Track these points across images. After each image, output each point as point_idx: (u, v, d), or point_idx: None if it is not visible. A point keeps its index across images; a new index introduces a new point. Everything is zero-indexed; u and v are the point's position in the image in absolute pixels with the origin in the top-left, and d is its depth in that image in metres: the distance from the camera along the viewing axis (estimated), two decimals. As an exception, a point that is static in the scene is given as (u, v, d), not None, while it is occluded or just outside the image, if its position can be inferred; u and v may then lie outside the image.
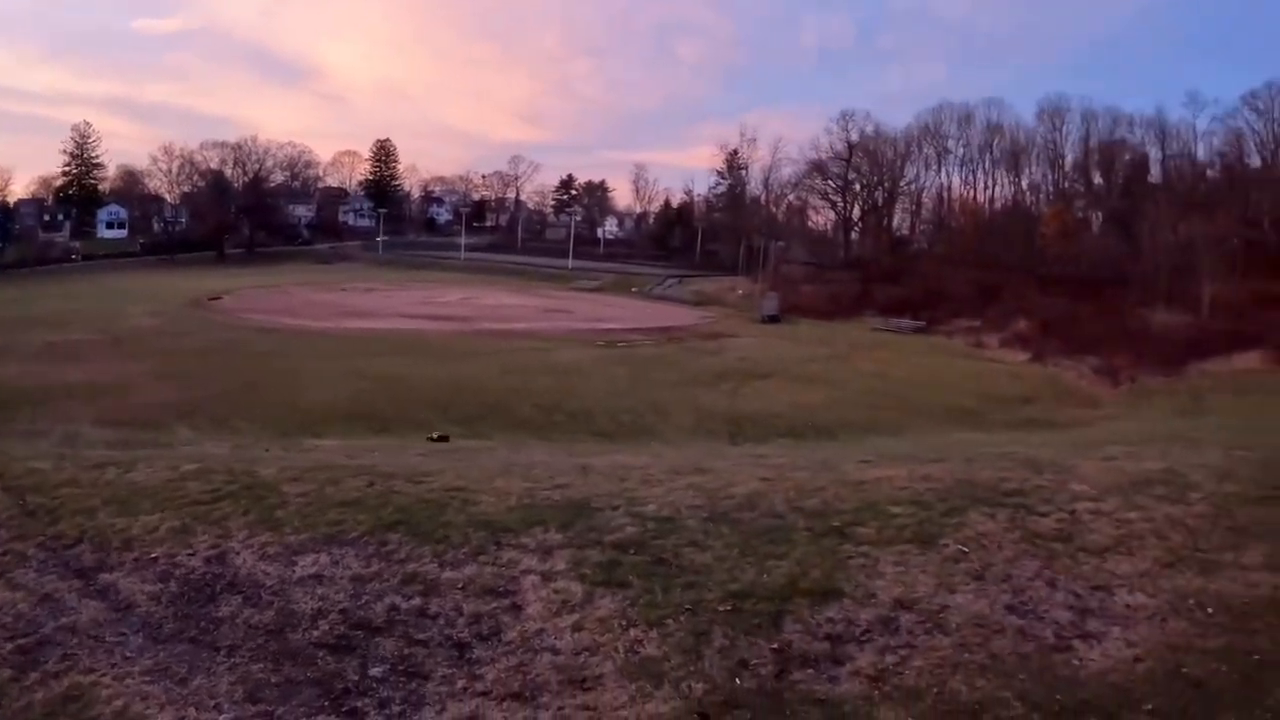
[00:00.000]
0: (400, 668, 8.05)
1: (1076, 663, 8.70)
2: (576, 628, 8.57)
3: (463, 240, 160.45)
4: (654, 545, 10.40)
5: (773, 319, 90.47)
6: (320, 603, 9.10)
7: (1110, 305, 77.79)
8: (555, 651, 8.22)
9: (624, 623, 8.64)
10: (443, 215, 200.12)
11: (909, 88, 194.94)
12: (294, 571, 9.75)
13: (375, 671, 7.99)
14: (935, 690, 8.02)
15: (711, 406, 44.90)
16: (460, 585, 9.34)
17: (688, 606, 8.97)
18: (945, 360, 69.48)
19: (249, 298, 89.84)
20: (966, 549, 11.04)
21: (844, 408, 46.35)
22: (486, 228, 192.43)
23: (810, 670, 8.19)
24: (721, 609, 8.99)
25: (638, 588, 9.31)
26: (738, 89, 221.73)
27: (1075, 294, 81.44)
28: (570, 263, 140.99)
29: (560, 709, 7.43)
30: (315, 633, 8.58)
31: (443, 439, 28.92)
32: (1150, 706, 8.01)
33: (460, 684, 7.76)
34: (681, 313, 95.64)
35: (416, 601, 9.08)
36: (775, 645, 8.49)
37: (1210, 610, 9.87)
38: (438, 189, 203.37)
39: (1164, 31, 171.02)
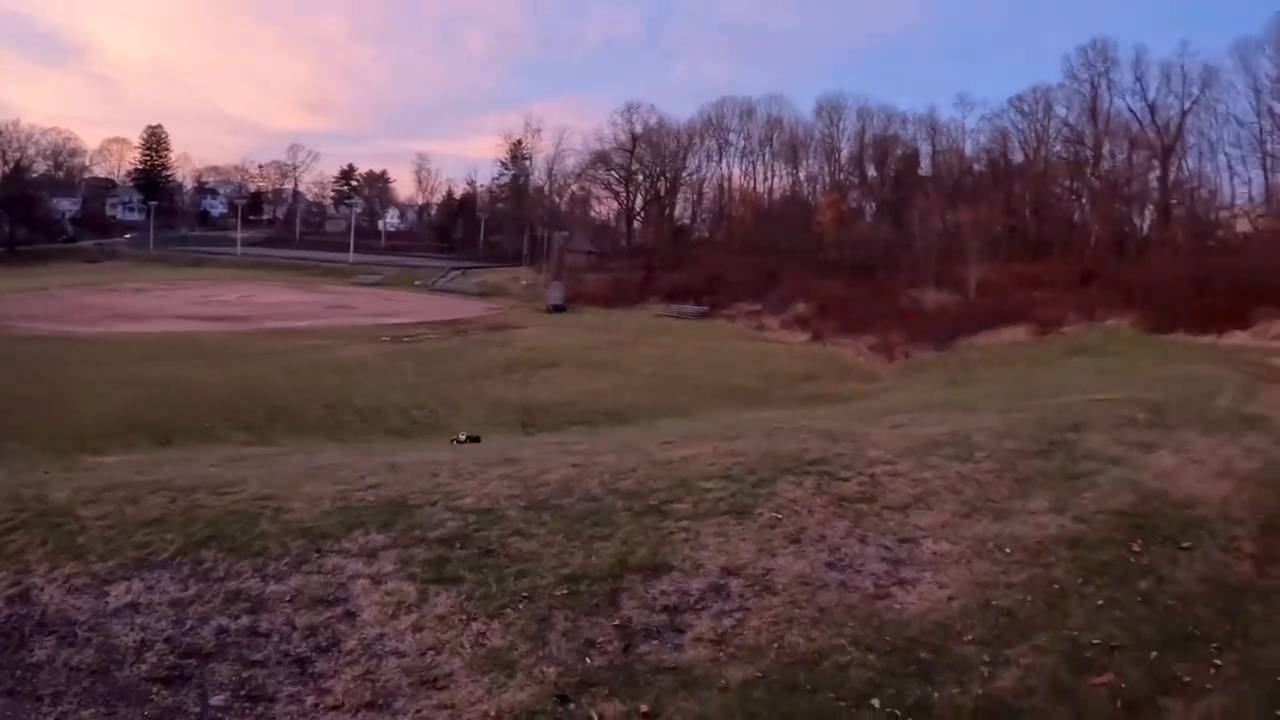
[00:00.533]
0: (242, 693, 7.56)
1: (898, 607, 9.55)
2: (417, 628, 8.43)
3: (239, 234, 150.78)
4: (479, 537, 10.39)
5: (558, 308, 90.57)
6: (142, 634, 8.30)
7: (884, 288, 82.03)
8: (400, 655, 8.03)
9: (464, 617, 8.60)
10: (217, 208, 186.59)
11: (694, 82, 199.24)
12: (107, 603, 8.84)
13: (217, 700, 7.46)
14: (775, 645, 8.58)
15: (502, 398, 44.49)
16: (288, 598, 8.89)
17: (524, 594, 9.06)
18: (729, 343, 71.34)
19: (8, 303, 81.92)
20: (780, 516, 11.78)
21: (633, 393, 46.85)
22: (264, 221, 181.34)
23: (654, 641, 8.52)
24: (558, 593, 9.14)
25: (471, 581, 9.27)
26: (523, 79, 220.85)
27: (851, 278, 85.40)
28: (351, 256, 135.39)
29: (418, 711, 7.33)
30: (143, 667, 7.84)
31: (473, 440, 27.20)
32: (970, 637, 8.97)
33: (309, 701, 7.45)
34: (467, 305, 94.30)
35: (245, 620, 8.50)
36: (617, 622, 8.75)
37: (1008, 550, 11.16)
38: (212, 180, 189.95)
39: (938, 37, 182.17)
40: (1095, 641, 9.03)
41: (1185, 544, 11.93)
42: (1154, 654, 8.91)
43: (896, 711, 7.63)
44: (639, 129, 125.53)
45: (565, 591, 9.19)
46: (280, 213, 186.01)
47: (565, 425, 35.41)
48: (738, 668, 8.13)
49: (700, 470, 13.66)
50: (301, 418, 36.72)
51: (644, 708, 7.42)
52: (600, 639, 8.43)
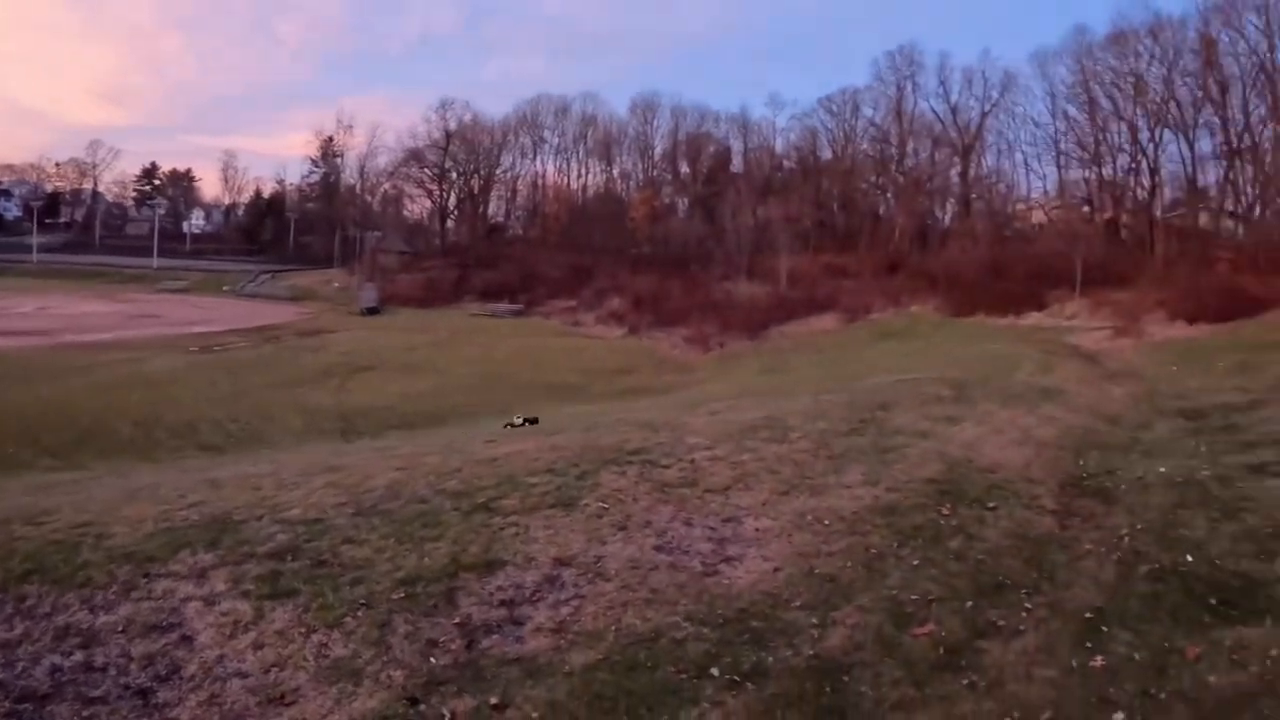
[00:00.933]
0: (86, 733, 7.26)
1: (726, 582, 10.03)
2: (257, 645, 8.26)
3: (34, 240, 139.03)
4: (310, 548, 10.30)
5: (372, 311, 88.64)
6: (-30, 683, 7.86)
7: (697, 281, 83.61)
8: (243, 675, 7.84)
9: (304, 630, 8.51)
10: (11, 210, 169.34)
11: (510, 78, 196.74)
12: (-71, 652, 8.28)
13: (60, 744, 7.13)
14: (613, 628, 8.90)
15: (320, 405, 43.29)
16: (121, 629, 8.49)
17: (362, 601, 9.04)
18: (546, 340, 71.35)
19: None
20: (606, 505, 12.19)
21: (451, 394, 46.44)
22: (61, 224, 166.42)
23: (496, 635, 8.67)
24: (395, 597, 9.17)
25: (307, 593, 9.19)
26: (337, 73, 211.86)
27: (665, 273, 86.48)
28: (155, 262, 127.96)
29: (271, 731, 7.24)
30: (-25, 719, 7.49)
31: (530, 421, 25.94)
32: (797, 603, 9.56)
33: (158, 733, 7.21)
34: (278, 310, 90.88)
35: (79, 657, 8.03)
36: (457, 620, 8.86)
37: (827, 522, 11.87)
38: (6, 179, 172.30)
39: (751, 39, 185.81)
40: (914, 597, 9.80)
41: (991, 505, 13.01)
42: (969, 603, 9.74)
43: (735, 678, 8.09)
44: (453, 126, 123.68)
45: (403, 595, 9.22)
46: (79, 215, 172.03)
47: (386, 430, 34.83)
48: (579, 653, 8.40)
49: (525, 466, 13.93)
50: (111, 438, 34.87)
51: (493, 700, 7.56)
52: (443, 638, 8.51)
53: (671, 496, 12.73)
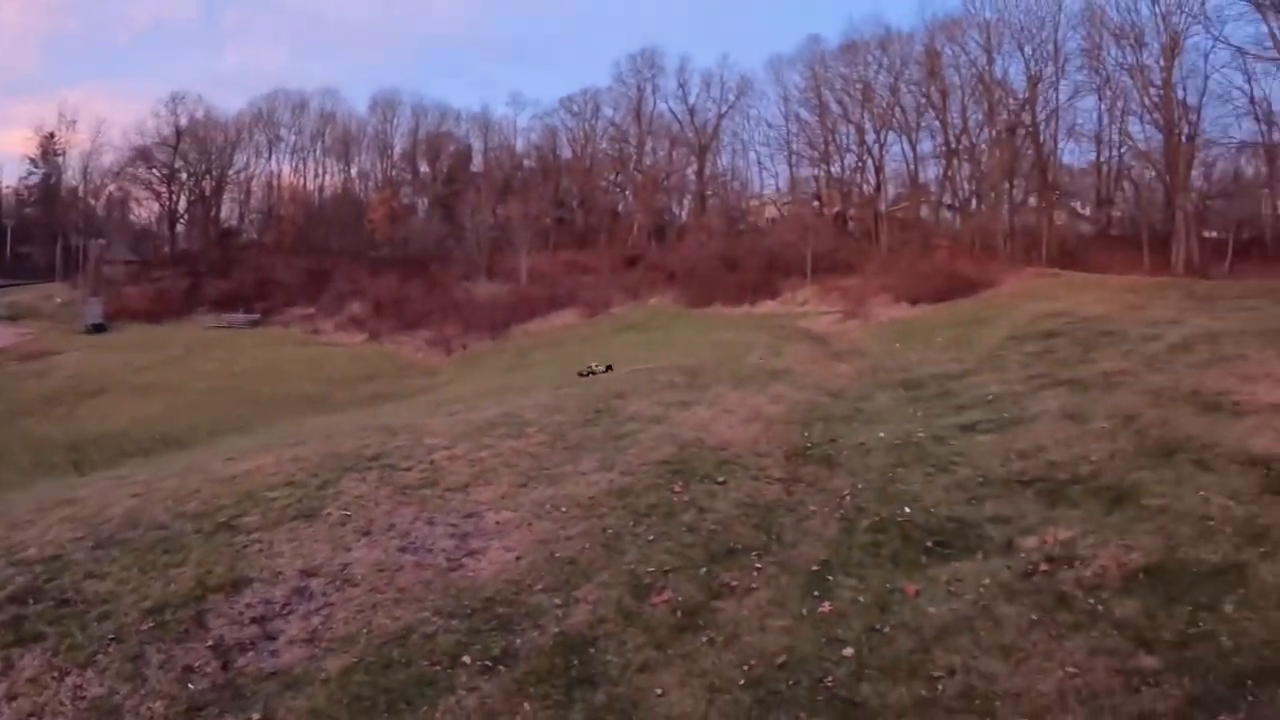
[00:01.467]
0: None
1: (471, 574, 10.38)
2: (10, 697, 7.94)
3: None
4: (51, 588, 9.85)
5: (98, 328, 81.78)
6: None
7: (438, 283, 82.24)
8: None
9: (56, 674, 8.23)
10: None
11: (248, 72, 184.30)
12: None
13: None
14: (365, 631, 9.08)
15: (48, 437, 40.04)
16: None
17: (112, 637, 8.79)
18: (285, 350, 68.52)
19: None
20: (349, 512, 12.25)
21: (189, 413, 43.99)
22: None
23: (251, 653, 8.69)
24: (145, 628, 8.97)
25: (54, 635, 8.84)
26: (62, 61, 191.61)
27: (405, 275, 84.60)
28: None
29: (33, 781, 6.90)
30: None
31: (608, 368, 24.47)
32: (540, 587, 10.06)
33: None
34: None
35: None
36: (210, 643, 8.78)
37: (565, 509, 12.42)
38: None
39: (495, 39, 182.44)
40: (651, 569, 10.50)
41: (721, 479, 13.87)
42: (704, 570, 10.56)
43: (486, 663, 8.48)
44: (185, 122, 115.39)
45: (152, 624, 9.03)
46: None
47: (121, 458, 32.77)
48: (335, 659, 8.54)
49: (264, 481, 13.73)
50: None
51: (256, 716, 7.64)
52: (198, 663, 8.44)
53: (413, 498, 12.90)
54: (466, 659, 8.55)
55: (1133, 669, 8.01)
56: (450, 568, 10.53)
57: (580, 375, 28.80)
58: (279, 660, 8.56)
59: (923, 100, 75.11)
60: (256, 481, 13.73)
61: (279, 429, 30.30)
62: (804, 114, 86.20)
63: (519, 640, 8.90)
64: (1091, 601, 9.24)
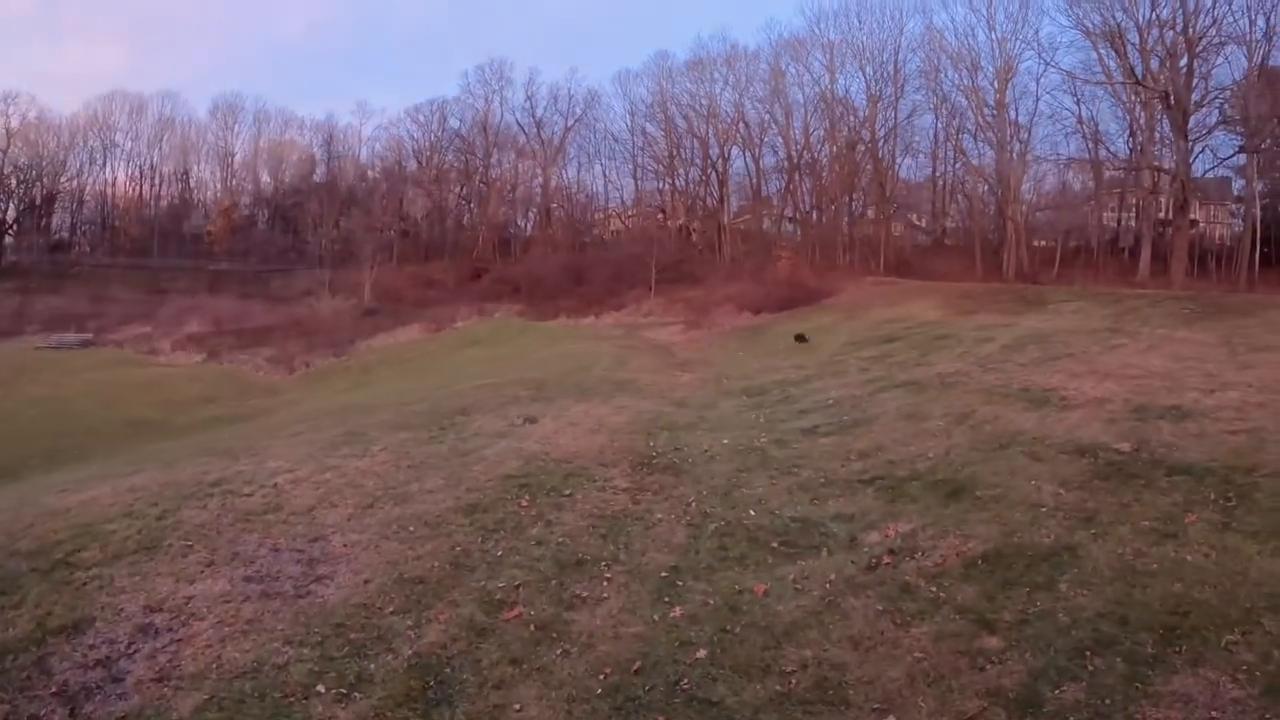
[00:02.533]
0: None
1: (320, 600, 10.20)
2: None
3: None
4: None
5: None
6: None
7: (280, 298, 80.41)
8: None
9: None
10: None
11: (85, 71, 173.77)
12: None
13: None
14: (215, 666, 8.84)
15: None
16: None
17: (-50, 688, 8.36)
18: (120, 372, 65.38)
19: None
20: (190, 542, 11.85)
21: (19, 442, 41.39)
22: None
23: (99, 697, 8.37)
24: (-18, 679, 8.55)
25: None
26: None
27: (245, 290, 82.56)
28: None
29: None
30: None
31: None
32: (391, 609, 10.01)
33: None
34: None
35: None
36: (53, 689, 8.42)
37: (412, 528, 12.37)
38: None
39: (339, 47, 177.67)
40: (501, 585, 10.55)
41: (568, 491, 14.00)
42: (555, 582, 10.67)
43: (341, 690, 8.39)
44: (15, 123, 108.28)
45: (-9, 673, 8.62)
46: None
47: (-57, 496, 31.15)
48: (185, 696, 8.30)
49: (101, 513, 13.16)
50: None
51: (110, 763, 7.43)
52: (44, 711, 8.13)
53: (256, 524, 12.59)
54: (321, 688, 8.43)
55: (977, 650, 8.51)
56: (298, 595, 10.33)
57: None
58: (128, 703, 8.27)
59: (767, 116, 77.28)
60: (93, 513, 13.13)
61: (117, 457, 29.11)
62: (650, 128, 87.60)
63: (373, 665, 8.83)
64: (934, 589, 9.76)
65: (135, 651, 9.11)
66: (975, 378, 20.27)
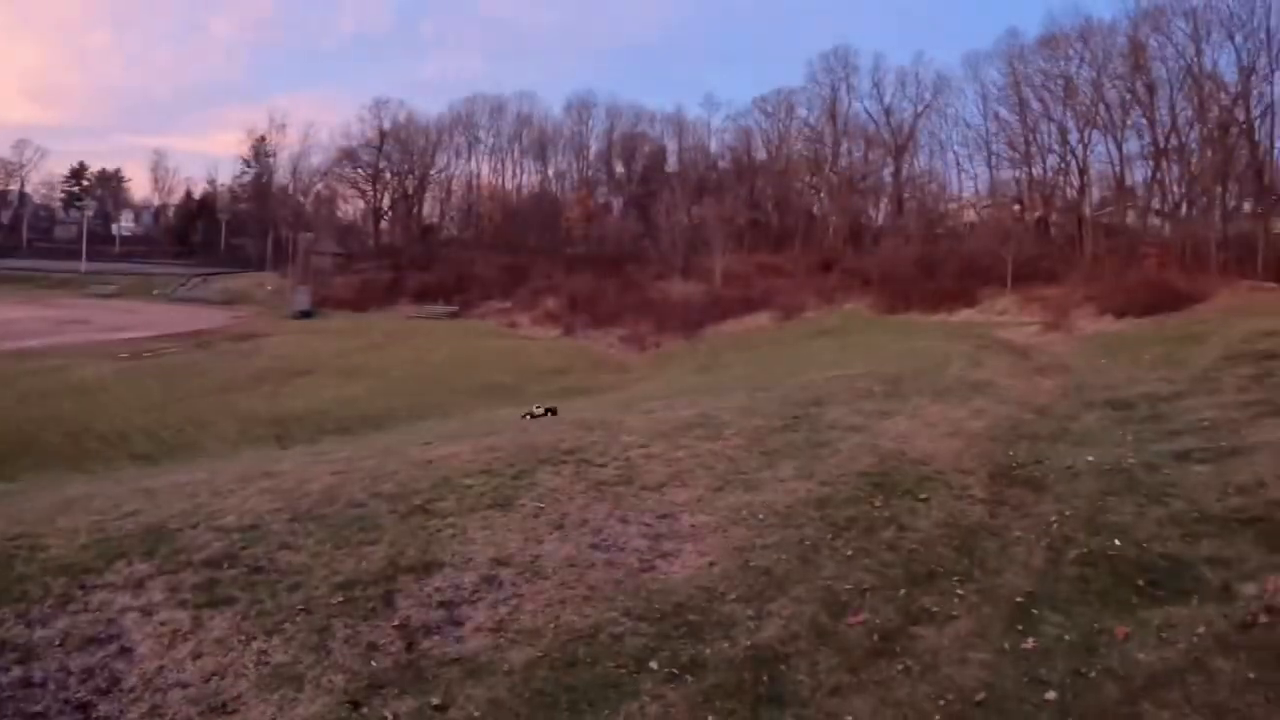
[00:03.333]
0: (26, 749, 7.06)
1: (663, 577, 10.21)
2: (196, 655, 8.16)
3: None
4: (246, 555, 10.19)
5: (305, 314, 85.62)
6: (-97, 704, 7.52)
7: (632, 281, 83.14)
8: (184, 685, 7.75)
9: (243, 638, 8.44)
10: None
11: (445, 77, 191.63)
12: None
13: (2, 764, 6.91)
14: (552, 626, 9.02)
15: (254, 411, 42.03)
16: (58, 642, 8.30)
17: (300, 607, 9.02)
18: (480, 341, 70.11)
19: None
20: (542, 504, 12.29)
21: (388, 397, 45.58)
22: None
23: (436, 637, 8.74)
24: (334, 602, 9.17)
25: (245, 600, 9.12)
26: (270, 71, 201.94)
27: (600, 272, 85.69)
28: (84, 265, 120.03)
29: (210, 741, 7.13)
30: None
31: (550, 411, 25.95)
32: (733, 596, 9.78)
33: (98, 747, 7.05)
34: (210, 314, 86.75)
35: (17, 672, 7.84)
36: (396, 623, 8.89)
37: (761, 516, 12.11)
38: None
39: (687, 40, 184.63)
40: (848, 587, 10.08)
41: (923, 496, 13.33)
42: (903, 591, 10.07)
43: (674, 670, 8.29)
44: (388, 125, 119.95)
45: (341, 599, 9.22)
46: (5, 217, 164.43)
47: (321, 435, 34.17)
48: (519, 651, 8.51)
49: (460, 468, 13.94)
50: (41, 449, 33.64)
51: (435, 701, 7.65)
52: (382, 641, 8.55)
53: (607, 494, 12.86)
54: (653, 664, 8.39)
55: (1357, 743, 7.17)
56: (642, 568, 10.42)
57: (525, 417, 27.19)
58: (463, 647, 8.59)
59: (1128, 96, 71.47)
60: (453, 468, 13.97)
61: (475, 416, 31.00)
62: (1003, 112, 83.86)
63: (708, 650, 8.67)
64: (1315, 661, 8.35)
65: (478, 600, 9.50)
66: (1377, 411, 17.67)
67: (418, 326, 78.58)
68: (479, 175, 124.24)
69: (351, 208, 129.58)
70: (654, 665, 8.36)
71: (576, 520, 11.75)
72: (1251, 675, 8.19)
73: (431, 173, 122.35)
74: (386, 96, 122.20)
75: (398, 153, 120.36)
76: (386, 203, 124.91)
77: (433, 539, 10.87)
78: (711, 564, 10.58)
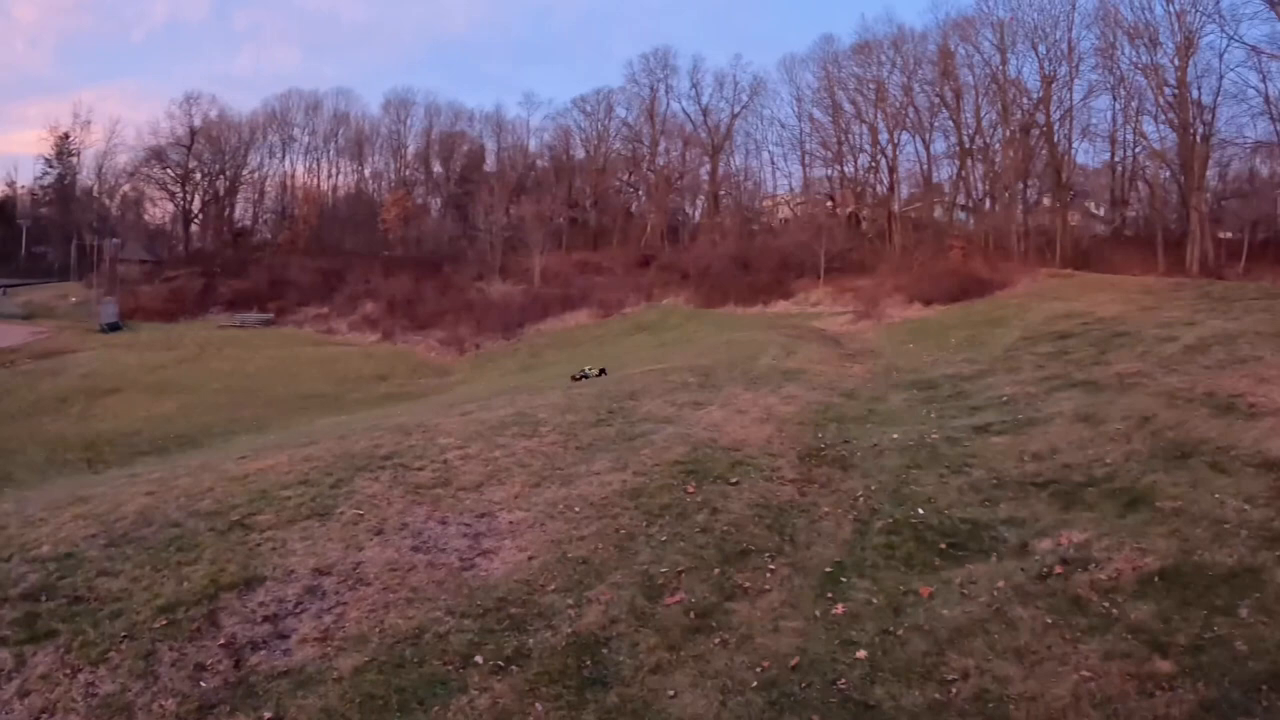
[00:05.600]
0: None
1: (484, 574, 10.38)
2: (23, 693, 7.91)
3: None
4: (64, 585, 9.83)
5: (113, 327, 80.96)
6: None
7: (451, 282, 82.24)
8: None
9: (69, 671, 8.20)
10: None
11: (261, 72, 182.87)
12: None
13: None
14: (378, 630, 9.08)
15: (62, 435, 39.71)
16: None
17: (124, 634, 8.79)
18: (297, 350, 68.17)
19: None
20: (362, 511, 12.26)
21: (203, 412, 43.85)
22: None
23: (263, 651, 8.67)
24: (158, 625, 8.97)
25: (67, 632, 8.83)
26: (76, 61, 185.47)
27: (418, 274, 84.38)
28: None
29: (46, 777, 6.90)
30: None
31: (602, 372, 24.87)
32: (553, 587, 10.09)
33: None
34: (10, 330, 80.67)
35: None
36: (222, 641, 8.77)
37: (578, 509, 12.45)
38: None
39: (509, 39, 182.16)
40: (664, 570, 10.51)
41: (734, 480, 13.90)
42: (717, 570, 10.58)
43: (499, 662, 8.50)
44: (198, 122, 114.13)
45: (164, 622, 9.02)
46: None
47: (135, 456, 32.66)
48: (347, 658, 8.55)
49: (278, 479, 13.75)
50: None
51: (267, 715, 7.64)
52: (210, 661, 8.44)
53: (426, 497, 12.93)
54: (479, 659, 8.56)
55: (1147, 673, 7.97)
56: (463, 567, 10.54)
57: (574, 379, 29.11)
58: (291, 659, 8.55)
59: (936, 100, 75.30)
60: (270, 480, 13.75)
61: (293, 428, 30.37)
62: (817, 114, 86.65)
63: (531, 640, 8.92)
64: (1106, 605, 9.21)
65: (303, 611, 9.45)
66: (1156, 379, 19.18)
67: (232, 336, 75.79)
68: (294, 175, 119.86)
69: (160, 211, 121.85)
70: (479, 660, 8.53)
71: (396, 525, 11.79)
72: (1049, 620, 9.02)
73: (244, 173, 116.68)
74: (198, 91, 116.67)
75: (209, 152, 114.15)
76: (197, 205, 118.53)
77: (253, 554, 10.71)
78: (531, 558, 10.82)
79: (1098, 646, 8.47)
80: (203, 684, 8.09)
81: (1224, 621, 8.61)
